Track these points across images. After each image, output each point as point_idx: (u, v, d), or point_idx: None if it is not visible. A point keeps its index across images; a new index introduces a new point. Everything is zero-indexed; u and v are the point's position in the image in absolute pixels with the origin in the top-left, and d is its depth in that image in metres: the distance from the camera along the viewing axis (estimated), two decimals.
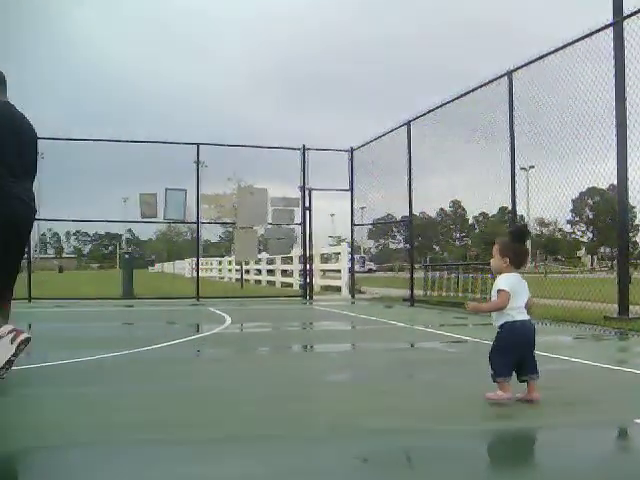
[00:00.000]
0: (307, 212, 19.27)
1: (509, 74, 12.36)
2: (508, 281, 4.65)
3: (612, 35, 10.31)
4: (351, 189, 19.68)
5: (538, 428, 4.09)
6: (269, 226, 19.48)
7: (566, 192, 11.45)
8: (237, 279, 33.08)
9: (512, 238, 4.86)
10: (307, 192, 19.26)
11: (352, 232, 19.99)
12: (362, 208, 20.16)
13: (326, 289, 23.15)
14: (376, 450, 3.53)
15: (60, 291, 21.52)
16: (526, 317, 4.67)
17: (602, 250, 77.80)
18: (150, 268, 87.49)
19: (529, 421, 4.22)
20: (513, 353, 4.60)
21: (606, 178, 10.76)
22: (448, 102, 14.63)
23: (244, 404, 4.73)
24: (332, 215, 70.55)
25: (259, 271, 32.09)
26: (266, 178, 20.81)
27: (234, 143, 19.45)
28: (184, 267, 51.82)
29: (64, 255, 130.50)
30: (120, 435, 3.89)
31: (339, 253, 22.55)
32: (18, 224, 5.66)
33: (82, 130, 18.85)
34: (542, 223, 69.21)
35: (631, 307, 10.50)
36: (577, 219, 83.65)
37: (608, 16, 10.41)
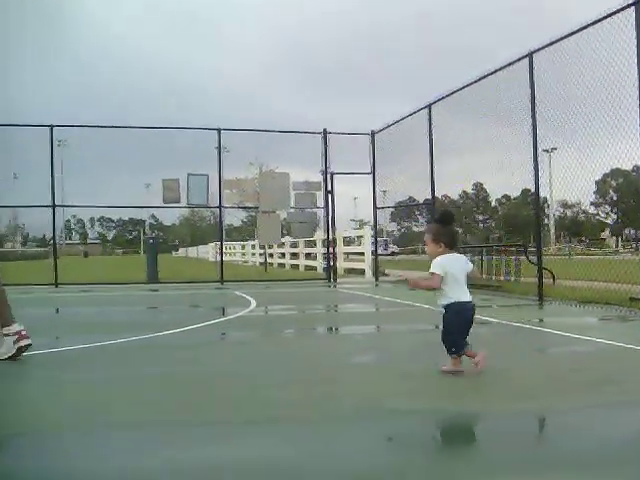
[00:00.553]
0: (329, 196, 19.29)
1: (530, 55, 12.25)
2: (441, 263, 5.03)
3: (634, 14, 10.19)
4: (373, 172, 19.63)
5: (563, 409, 4.10)
6: (291, 210, 19.52)
7: (589, 174, 11.37)
8: (261, 263, 33.18)
9: (441, 223, 5.27)
10: (329, 176, 19.27)
11: (375, 215, 19.95)
12: (384, 191, 20.10)
13: (350, 272, 23.17)
14: (400, 431, 3.57)
15: (85, 276, 21.70)
16: (467, 298, 5.10)
17: (627, 232, 77.14)
18: (174, 253, 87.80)
19: (553, 401, 4.24)
20: (460, 329, 5.03)
21: (630, 159, 10.67)
22: (469, 84, 14.51)
23: (269, 386, 4.78)
24: (355, 199, 70.45)
25: (283, 255, 32.15)
26: (288, 162, 20.85)
27: (254, 128, 19.46)
28: (208, 251, 51.98)
29: (89, 241, 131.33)
30: (142, 416, 3.98)
31: (362, 236, 22.55)
32: None
33: (102, 118, 19.01)
34: (565, 205, 68.73)
35: None
36: (601, 200, 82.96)
37: None
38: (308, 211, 19.65)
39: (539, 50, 12.07)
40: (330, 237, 19.59)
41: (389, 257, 35.93)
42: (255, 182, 19.64)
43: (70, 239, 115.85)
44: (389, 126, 18.92)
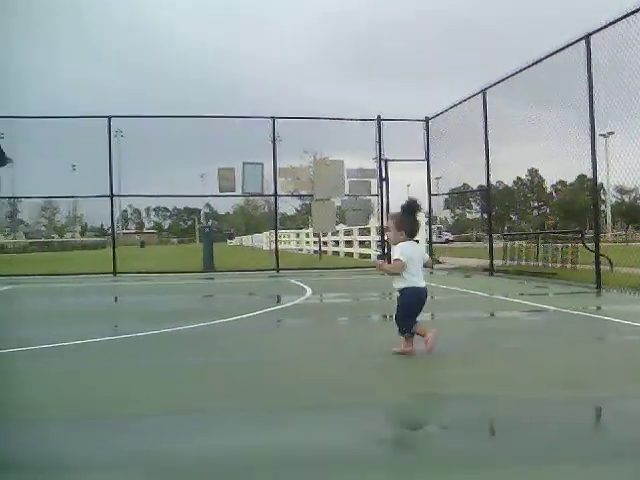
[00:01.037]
0: (384, 183, 19.27)
1: (587, 37, 12.06)
2: (403, 250, 5.45)
3: None
4: (427, 159, 19.56)
5: (615, 397, 4.09)
6: (346, 197, 19.54)
7: None
8: (315, 251, 33.26)
9: (404, 212, 5.60)
10: (383, 163, 19.25)
11: (429, 202, 19.88)
12: (437, 178, 20.02)
13: None
14: (457, 417, 3.61)
15: (143, 265, 22.03)
16: (421, 284, 5.55)
17: None
18: (229, 241, 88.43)
19: (606, 390, 4.23)
20: (412, 311, 5.45)
21: None
22: (524, 68, 14.32)
23: (329, 372, 4.85)
24: (408, 186, 70.05)
25: (337, 242, 32.20)
26: (341, 150, 20.81)
27: (307, 116, 19.51)
28: (262, 240, 52.28)
29: (145, 230, 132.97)
30: (203, 404, 4.07)
31: None
32: None
33: (159, 111, 19.27)
34: (622, 191, 67.47)
35: None
36: None
37: None
38: (362, 198, 19.66)
39: (596, 32, 11.86)
40: (384, 224, 19.57)
41: (443, 244, 35.74)
42: (309, 170, 19.74)
43: (127, 229, 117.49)
44: (443, 112, 18.82)
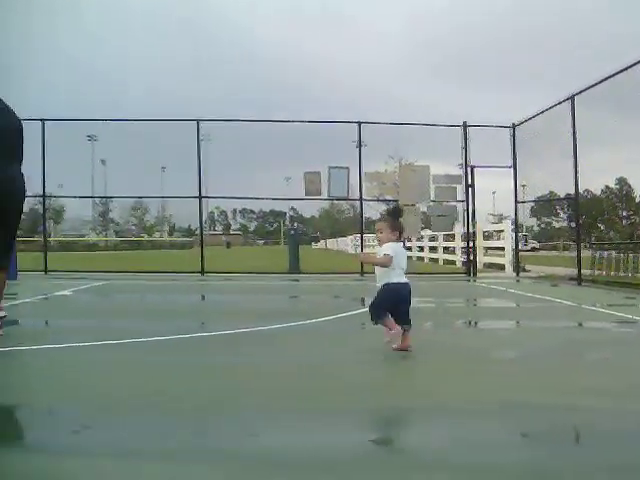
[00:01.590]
0: (470, 189, 19.16)
1: None
2: (394, 248, 5.94)
3: None
4: (514, 166, 19.33)
5: None
6: (431, 203, 19.49)
7: None
8: None
9: (394, 216, 6.22)
10: (469, 169, 19.12)
11: (516, 210, 19.65)
12: (523, 185, 19.77)
13: (489, 267, 22.92)
14: (540, 426, 3.60)
15: (229, 265, 22.39)
16: (403, 280, 5.96)
17: None
18: (313, 244, 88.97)
19: None
20: (386, 304, 5.84)
21: None
22: (615, 74, 14.00)
23: (413, 377, 4.90)
24: (493, 193, 69.23)
25: (421, 248, 32.14)
26: (426, 155, 20.77)
27: (392, 121, 19.53)
28: (347, 243, 52.50)
29: (231, 232, 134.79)
30: (285, 402, 4.16)
31: (502, 231, 22.26)
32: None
33: (244, 114, 19.65)
34: None
35: None
36: None
37: None
38: (447, 205, 19.57)
39: None
40: (470, 231, 19.47)
41: (529, 252, 35.25)
42: (395, 175, 19.74)
43: (214, 230, 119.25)
44: (530, 118, 18.59)
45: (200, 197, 19.08)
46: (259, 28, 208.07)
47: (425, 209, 20.16)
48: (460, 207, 19.63)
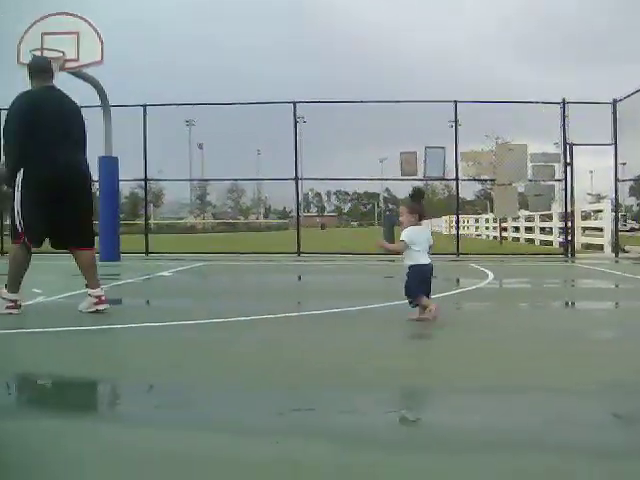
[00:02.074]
0: (568, 168, 18.78)
1: None
2: (408, 233, 6.37)
3: None
4: (615, 143, 18.82)
5: None
6: (528, 182, 19.19)
7: None
8: (494, 237, 32.91)
9: (414, 198, 6.67)
10: (568, 147, 18.73)
11: (616, 188, 19.16)
12: (623, 164, 19.26)
13: (587, 247, 22.44)
14: (629, 408, 3.60)
15: (324, 246, 22.58)
16: (426, 260, 6.42)
17: None
18: None
19: None
20: (419, 287, 6.32)
21: None
22: None
23: (508, 356, 4.92)
24: (591, 172, 67.60)
25: (517, 228, 31.67)
26: (523, 134, 20.42)
27: (489, 99, 19.28)
28: (441, 225, 52.21)
29: (325, 213, 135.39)
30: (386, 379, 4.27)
31: (600, 210, 21.75)
32: (56, 186, 6.74)
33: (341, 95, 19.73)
34: None
35: None
36: None
37: None
38: (545, 184, 19.23)
39: None
40: (568, 210, 19.10)
41: (628, 233, 34.33)
42: (491, 154, 19.52)
43: (308, 211, 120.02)
44: (633, 93, 18.07)
45: (297, 179, 19.30)
46: (355, 10, 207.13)
47: (522, 189, 19.85)
48: (558, 186, 19.27)
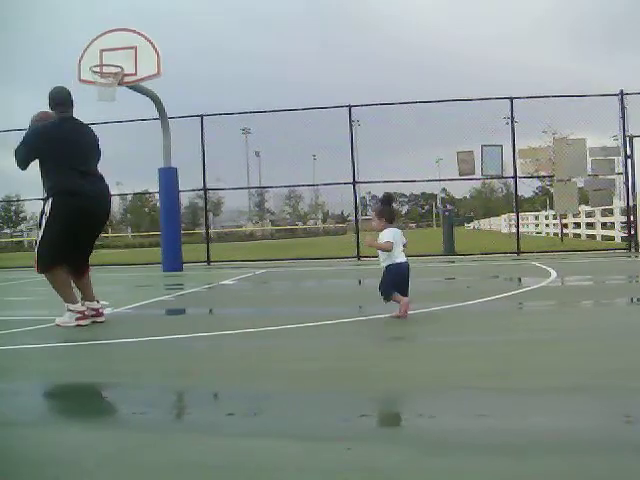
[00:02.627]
0: (629, 161, 18.49)
1: None
2: (390, 234, 6.83)
3: None
4: None
5: None
6: (588, 177, 18.95)
7: None
8: (555, 233, 32.49)
9: (383, 203, 7.15)
10: (628, 139, 18.45)
11: None
12: None
13: None
14: None
15: None
16: (403, 259, 6.87)
17: None
18: (466, 225, 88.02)
19: None
20: (394, 283, 6.74)
21: None
22: None
23: (572, 356, 4.91)
24: None
25: (577, 224, 31.23)
26: (581, 128, 20.16)
27: (545, 94, 19.06)
28: (499, 223, 51.77)
29: None
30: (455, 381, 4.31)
31: None
32: (87, 215, 7.06)
33: (395, 96, 19.70)
34: None
35: None
36: None
37: None
38: (605, 178, 18.96)
39: None
40: (630, 204, 18.80)
41: None
42: (549, 150, 19.32)
43: (366, 214, 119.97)
44: None
45: (354, 182, 19.39)
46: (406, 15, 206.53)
47: (582, 184, 19.60)
48: (618, 180, 18.99)
